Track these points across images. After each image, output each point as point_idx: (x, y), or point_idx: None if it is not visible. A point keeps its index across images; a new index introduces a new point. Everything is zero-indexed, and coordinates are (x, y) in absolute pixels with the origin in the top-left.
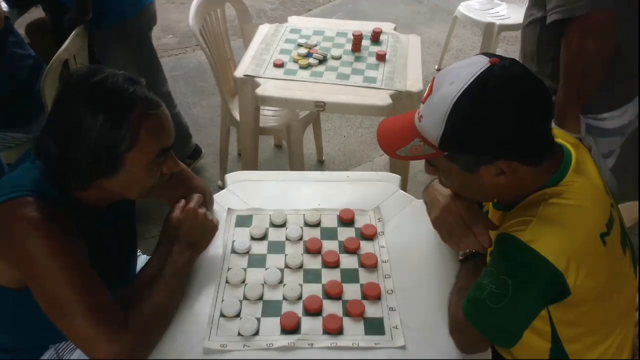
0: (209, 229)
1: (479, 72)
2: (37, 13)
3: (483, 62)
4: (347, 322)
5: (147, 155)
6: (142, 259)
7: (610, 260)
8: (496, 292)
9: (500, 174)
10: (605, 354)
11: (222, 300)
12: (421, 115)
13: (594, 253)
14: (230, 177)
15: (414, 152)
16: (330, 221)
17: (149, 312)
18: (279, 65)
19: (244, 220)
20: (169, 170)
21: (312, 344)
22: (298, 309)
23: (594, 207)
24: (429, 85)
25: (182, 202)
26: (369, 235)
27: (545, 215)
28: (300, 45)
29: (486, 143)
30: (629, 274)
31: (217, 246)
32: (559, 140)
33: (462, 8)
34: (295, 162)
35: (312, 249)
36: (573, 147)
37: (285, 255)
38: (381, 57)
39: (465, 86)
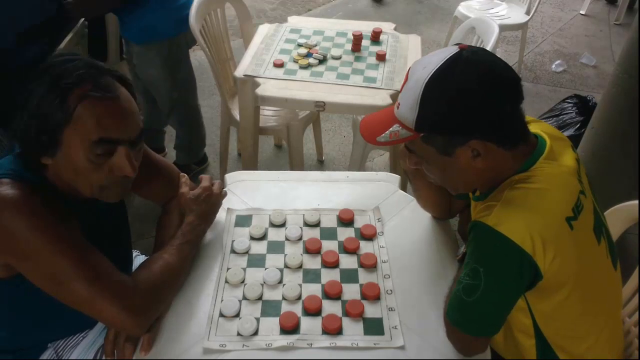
0: (218, 206)
1: (448, 56)
2: None
3: (453, 49)
4: (346, 322)
5: (83, 136)
6: (140, 259)
7: (580, 245)
8: (470, 283)
9: (476, 157)
10: (591, 349)
11: (222, 300)
12: (399, 103)
13: (560, 235)
14: (230, 177)
15: (392, 137)
16: (329, 221)
17: (159, 270)
18: (279, 65)
19: (243, 220)
20: (120, 172)
21: (311, 344)
22: (297, 309)
23: (559, 190)
24: (405, 75)
25: (186, 178)
26: (368, 235)
27: (508, 199)
28: (300, 45)
29: (456, 121)
30: (606, 265)
31: (216, 246)
32: (536, 130)
33: (462, 8)
34: (295, 162)
35: (312, 249)
36: (550, 137)
37: (285, 255)
38: (381, 57)
39: (436, 68)
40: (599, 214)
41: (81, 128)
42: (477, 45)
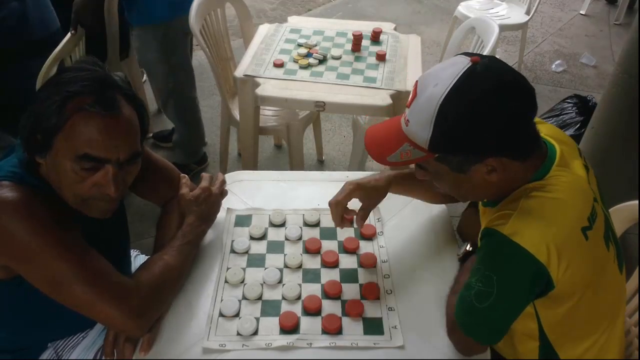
0: (218, 206)
1: (461, 72)
2: None
3: (464, 62)
4: (346, 322)
5: (71, 148)
6: (140, 259)
7: (592, 255)
8: (482, 290)
9: (491, 172)
10: (591, 349)
11: (221, 300)
12: (408, 120)
13: (575, 246)
14: (230, 176)
15: (404, 157)
16: (329, 221)
17: (159, 271)
18: (279, 65)
19: (243, 220)
20: (102, 190)
21: (311, 344)
22: (297, 308)
23: (575, 200)
24: (413, 89)
25: (187, 179)
26: (368, 235)
27: (525, 208)
28: (300, 45)
29: (475, 142)
30: (614, 271)
31: (216, 246)
32: (543, 135)
33: (462, 8)
34: (295, 162)
35: (312, 249)
36: (558, 142)
37: (285, 255)
38: (381, 57)
39: (450, 87)
40: (608, 219)
41: (70, 139)
42: (478, 47)
